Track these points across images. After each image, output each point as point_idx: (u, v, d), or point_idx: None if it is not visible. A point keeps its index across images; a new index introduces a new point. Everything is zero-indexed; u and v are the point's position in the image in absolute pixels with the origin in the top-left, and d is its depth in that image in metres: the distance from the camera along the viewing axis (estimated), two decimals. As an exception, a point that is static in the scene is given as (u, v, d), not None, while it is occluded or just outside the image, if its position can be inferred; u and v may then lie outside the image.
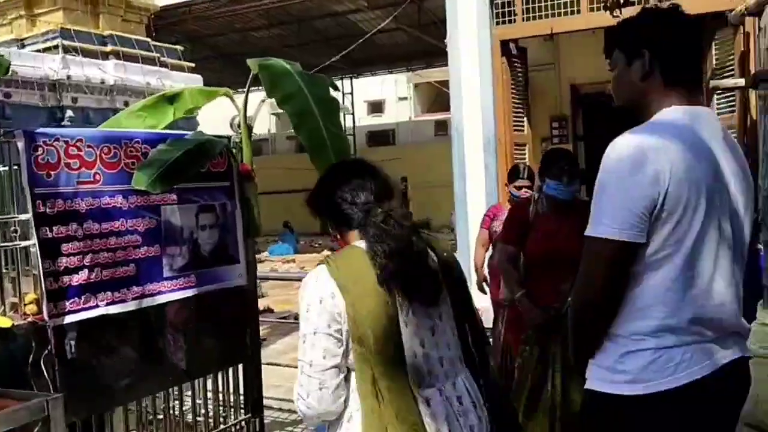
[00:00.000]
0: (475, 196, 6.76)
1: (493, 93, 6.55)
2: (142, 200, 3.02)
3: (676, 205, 1.58)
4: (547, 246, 3.35)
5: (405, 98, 25.22)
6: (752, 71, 4.80)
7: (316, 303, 1.71)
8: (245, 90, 3.67)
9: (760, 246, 4.22)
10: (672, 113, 1.70)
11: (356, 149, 21.99)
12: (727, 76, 5.93)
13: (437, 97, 23.92)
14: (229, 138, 3.58)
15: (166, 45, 12.28)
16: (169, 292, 3.15)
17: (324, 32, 17.97)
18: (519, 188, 4.45)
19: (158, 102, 3.57)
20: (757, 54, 4.27)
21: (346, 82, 21.51)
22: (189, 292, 3.24)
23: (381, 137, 24.83)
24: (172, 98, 3.60)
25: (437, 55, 16.83)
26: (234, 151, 3.57)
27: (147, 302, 3.04)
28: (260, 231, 3.82)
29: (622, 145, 1.61)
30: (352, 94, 21.98)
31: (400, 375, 1.68)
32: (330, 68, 16.83)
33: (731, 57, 5.88)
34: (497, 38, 6.47)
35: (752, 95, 4.78)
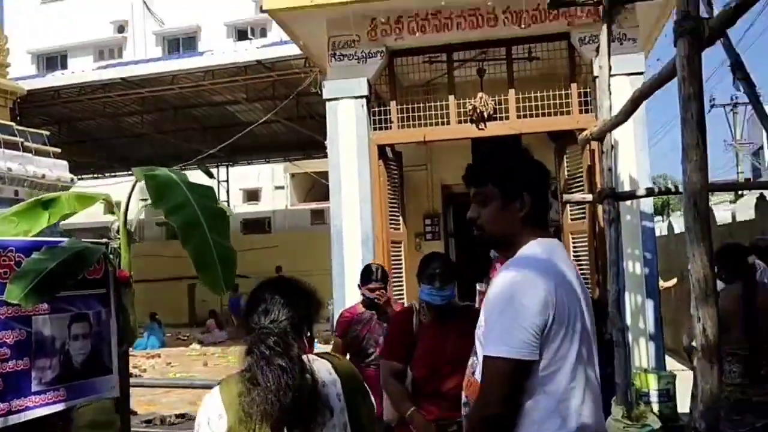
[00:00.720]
0: (354, 291, 6.88)
1: (371, 193, 6.82)
2: (13, 311, 2.89)
3: (561, 325, 1.80)
4: (434, 359, 3.24)
5: (281, 187, 25.39)
6: (598, 185, 5.39)
7: (205, 424, 1.77)
8: (121, 183, 3.62)
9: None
10: (536, 247, 1.93)
11: (231, 237, 21.66)
12: (577, 186, 6.59)
13: (313, 187, 24.29)
14: (106, 245, 3.51)
15: (31, 129, 11.79)
16: (38, 408, 2.98)
17: (201, 120, 17.95)
18: (372, 290, 4.30)
19: (33, 207, 3.46)
20: (602, 172, 4.82)
21: (222, 169, 21.42)
22: (59, 407, 3.08)
23: (256, 225, 24.70)
24: (47, 203, 3.50)
25: (314, 146, 17.22)
26: (111, 257, 3.51)
27: (13, 419, 2.86)
28: (135, 338, 3.72)
29: (511, 277, 1.83)
30: (227, 181, 21.89)
31: None
32: (206, 156, 16.77)
33: (580, 169, 6.57)
34: (375, 143, 6.83)
35: (599, 207, 5.34)
